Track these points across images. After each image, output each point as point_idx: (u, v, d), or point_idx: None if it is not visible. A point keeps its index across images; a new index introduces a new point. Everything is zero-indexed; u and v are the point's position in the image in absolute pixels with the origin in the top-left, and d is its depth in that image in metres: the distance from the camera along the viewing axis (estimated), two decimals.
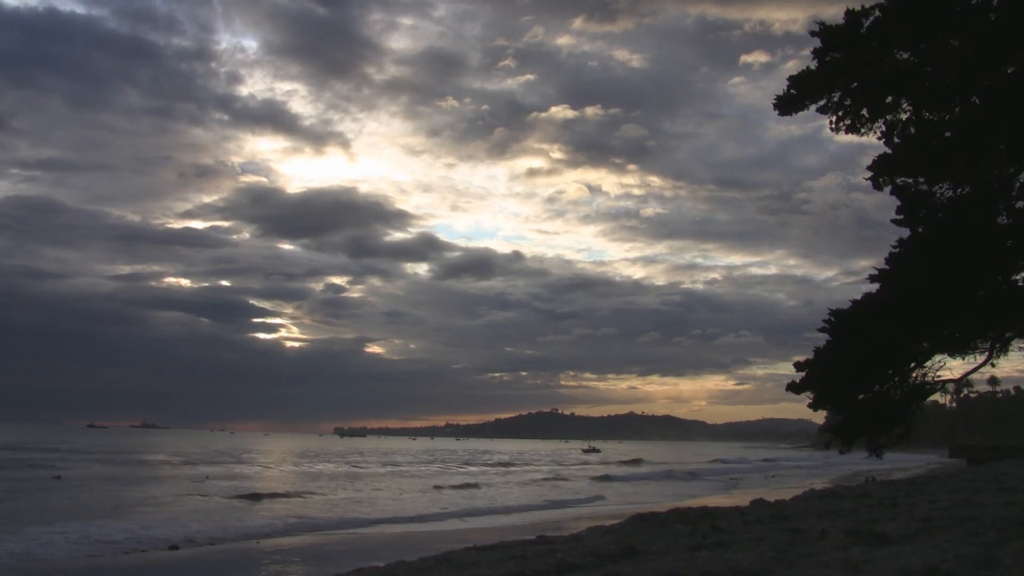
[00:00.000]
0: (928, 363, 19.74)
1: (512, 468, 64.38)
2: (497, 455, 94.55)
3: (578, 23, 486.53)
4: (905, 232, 18.80)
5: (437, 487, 39.10)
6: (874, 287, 19.49)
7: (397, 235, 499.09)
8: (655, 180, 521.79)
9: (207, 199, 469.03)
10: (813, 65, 18.33)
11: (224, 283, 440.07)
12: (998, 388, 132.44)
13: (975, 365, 19.85)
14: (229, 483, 38.62)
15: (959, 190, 17.93)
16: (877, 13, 17.26)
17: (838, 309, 20.01)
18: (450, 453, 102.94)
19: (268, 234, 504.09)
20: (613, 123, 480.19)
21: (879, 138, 18.63)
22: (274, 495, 32.31)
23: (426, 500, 32.62)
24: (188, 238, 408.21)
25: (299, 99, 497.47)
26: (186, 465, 54.75)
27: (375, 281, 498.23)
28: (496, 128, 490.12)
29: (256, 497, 30.84)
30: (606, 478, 51.22)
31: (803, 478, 50.71)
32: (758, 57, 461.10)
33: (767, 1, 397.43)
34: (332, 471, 53.61)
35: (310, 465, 61.34)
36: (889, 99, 18.27)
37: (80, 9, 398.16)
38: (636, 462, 77.89)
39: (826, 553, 5.52)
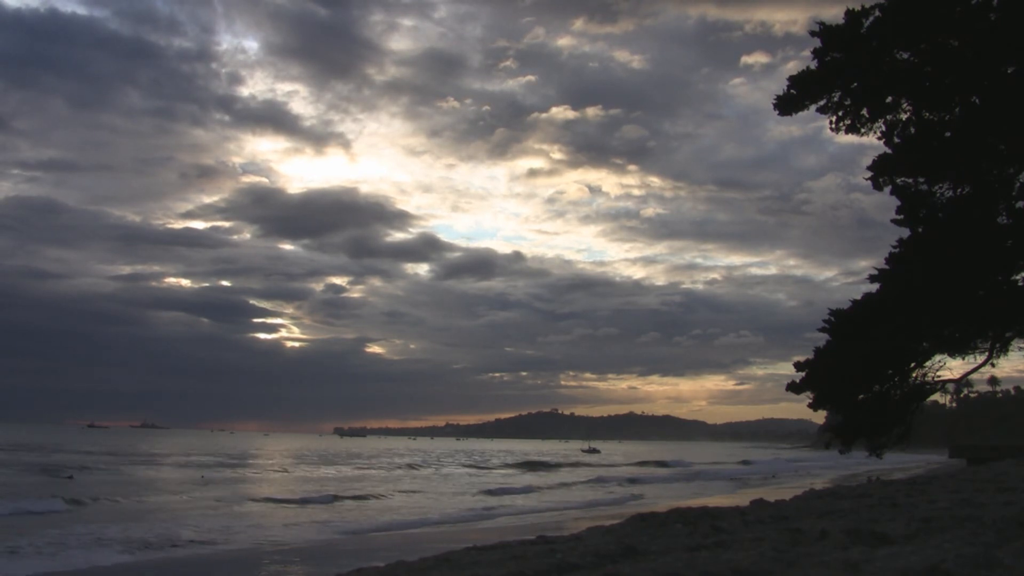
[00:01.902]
0: (928, 363, 19.75)
1: (543, 470, 63.43)
2: (519, 456, 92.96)
3: (579, 24, 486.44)
4: (905, 232, 18.81)
5: (489, 492, 37.99)
6: (874, 287, 19.49)
7: (398, 235, 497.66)
8: (655, 180, 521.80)
9: (208, 199, 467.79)
10: (813, 65, 18.35)
11: (225, 283, 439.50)
12: (998, 388, 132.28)
13: (975, 365, 19.87)
14: (257, 487, 38.16)
15: (959, 190, 17.94)
16: (877, 13, 17.27)
17: (838, 309, 20.02)
18: (469, 454, 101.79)
19: (269, 234, 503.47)
20: (614, 124, 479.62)
21: (879, 138, 18.65)
22: (309, 497, 31.58)
23: (484, 502, 32.42)
24: (189, 238, 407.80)
25: (300, 100, 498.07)
26: (189, 465, 54.39)
27: (375, 281, 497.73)
28: (497, 129, 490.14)
29: (294, 502, 30.09)
30: (636, 480, 50.83)
31: (803, 478, 50.66)
32: (758, 58, 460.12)
33: (767, 2, 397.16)
34: (358, 474, 52.44)
35: (328, 467, 60.01)
36: (889, 99, 18.28)
37: (81, 10, 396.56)
38: (662, 463, 77.42)
39: (826, 553, 5.53)
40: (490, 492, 37.48)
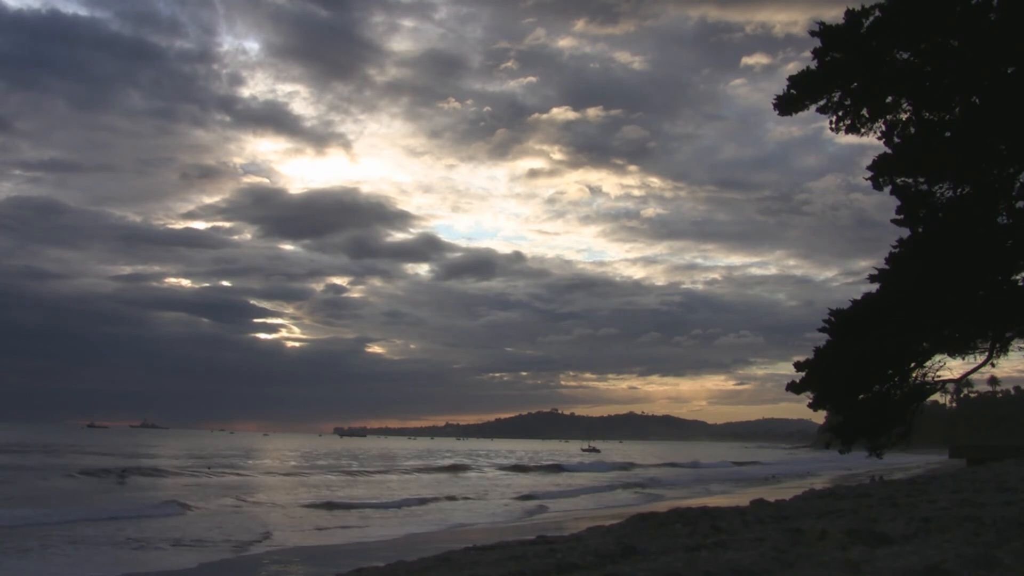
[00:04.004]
0: (928, 363, 19.77)
1: (574, 472, 61.87)
2: (536, 457, 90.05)
3: (580, 25, 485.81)
4: (905, 232, 18.83)
5: (525, 497, 36.12)
6: (874, 287, 19.51)
7: (398, 236, 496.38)
8: (655, 181, 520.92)
9: (209, 200, 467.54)
10: (813, 65, 18.35)
11: (225, 283, 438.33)
12: (998, 388, 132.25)
13: (975, 365, 19.89)
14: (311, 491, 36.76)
15: (959, 190, 17.95)
16: (877, 13, 17.28)
17: (838, 309, 20.04)
18: (485, 455, 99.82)
19: (270, 235, 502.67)
20: (614, 124, 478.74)
21: (879, 138, 18.67)
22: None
23: (534, 504, 31.93)
24: (189, 239, 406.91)
25: (301, 100, 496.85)
26: (236, 468, 52.10)
27: (376, 281, 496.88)
28: (497, 129, 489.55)
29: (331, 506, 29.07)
30: (670, 483, 49.86)
31: (803, 478, 50.61)
32: (759, 59, 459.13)
33: (768, 3, 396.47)
34: (409, 478, 50.21)
35: (373, 466, 58.04)
36: (889, 99, 18.29)
37: (83, 11, 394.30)
38: (676, 465, 76.54)
39: (826, 553, 5.53)
40: (536, 495, 36.54)
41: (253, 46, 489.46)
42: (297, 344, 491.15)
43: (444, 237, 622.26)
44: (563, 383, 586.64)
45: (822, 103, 18.49)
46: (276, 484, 41.29)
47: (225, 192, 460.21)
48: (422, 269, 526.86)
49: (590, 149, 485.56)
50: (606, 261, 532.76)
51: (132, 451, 74.42)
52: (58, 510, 23.02)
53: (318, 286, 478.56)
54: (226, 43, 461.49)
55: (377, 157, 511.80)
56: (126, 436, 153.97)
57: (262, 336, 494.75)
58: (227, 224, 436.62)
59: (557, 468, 66.03)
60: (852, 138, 26.16)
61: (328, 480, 45.35)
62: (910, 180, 18.19)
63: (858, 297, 19.86)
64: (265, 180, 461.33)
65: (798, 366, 20.42)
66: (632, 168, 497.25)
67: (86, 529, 19.59)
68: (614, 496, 38.28)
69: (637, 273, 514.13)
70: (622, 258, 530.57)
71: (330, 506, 28.74)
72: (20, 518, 21.07)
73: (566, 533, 9.56)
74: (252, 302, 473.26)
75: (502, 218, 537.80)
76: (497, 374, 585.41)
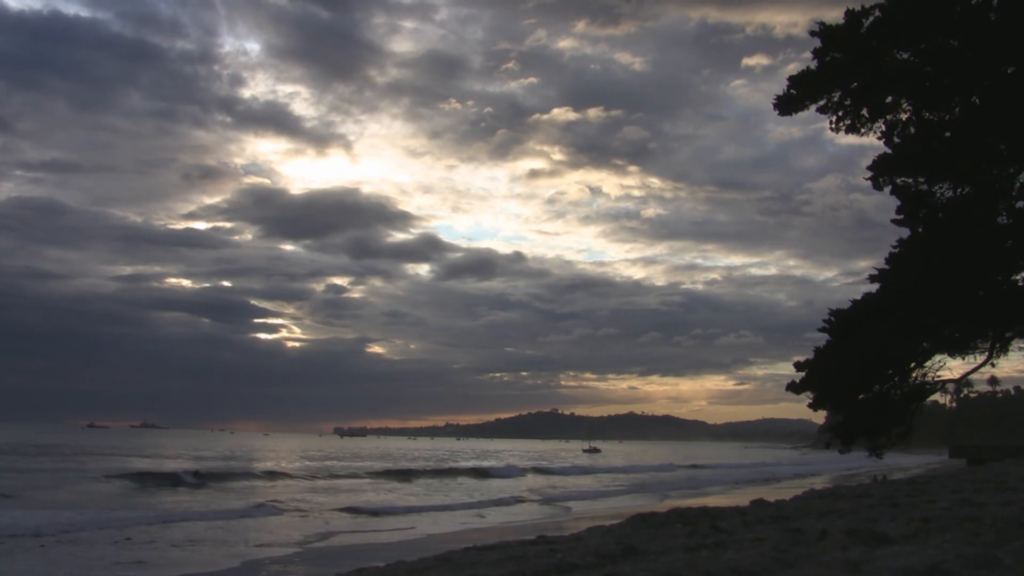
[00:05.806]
0: (928, 363, 19.79)
1: (599, 474, 60.67)
2: (555, 458, 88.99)
3: (581, 26, 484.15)
4: (905, 232, 18.84)
5: (541, 502, 35.46)
6: (874, 287, 19.52)
7: (399, 236, 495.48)
8: (655, 181, 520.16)
9: (209, 200, 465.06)
10: (813, 65, 18.36)
11: (226, 284, 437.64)
12: (998, 388, 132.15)
13: (975, 365, 19.90)
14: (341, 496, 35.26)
15: (959, 190, 17.95)
16: (877, 13, 17.29)
17: (838, 309, 20.05)
18: (490, 455, 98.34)
19: (270, 235, 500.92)
20: (614, 125, 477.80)
21: (879, 138, 18.68)
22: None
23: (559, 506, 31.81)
24: (190, 239, 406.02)
25: (301, 101, 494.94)
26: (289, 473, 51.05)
27: (376, 282, 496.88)
28: (498, 130, 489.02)
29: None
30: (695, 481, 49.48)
31: (803, 478, 50.56)
32: (759, 60, 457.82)
33: (768, 4, 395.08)
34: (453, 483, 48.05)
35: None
36: (889, 99, 18.29)
37: (84, 12, 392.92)
38: (701, 466, 75.73)
39: (826, 553, 5.53)
40: (567, 496, 36.37)
41: (254, 47, 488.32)
42: (297, 344, 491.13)
43: (444, 237, 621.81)
44: (563, 383, 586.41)
45: (822, 103, 18.50)
46: (309, 487, 40.90)
47: (226, 192, 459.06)
48: (422, 269, 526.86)
49: (590, 150, 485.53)
50: (606, 261, 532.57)
51: (151, 452, 73.98)
52: (172, 512, 23.56)
53: (318, 286, 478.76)
54: (227, 44, 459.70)
55: (378, 158, 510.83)
56: (128, 436, 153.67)
57: (262, 336, 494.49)
58: (228, 224, 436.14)
59: (580, 470, 64.65)
60: (852, 138, 26.14)
61: (358, 484, 44.60)
62: (910, 180, 18.21)
63: (858, 297, 19.89)
64: (266, 180, 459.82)
65: (798, 366, 20.43)
66: (632, 168, 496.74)
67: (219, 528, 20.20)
68: (643, 498, 37.98)
69: (637, 273, 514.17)
70: (622, 258, 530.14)
71: (374, 512, 27.76)
72: (123, 520, 20.89)
73: (566, 533, 9.56)
74: (252, 302, 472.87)
75: (502, 218, 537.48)
76: (497, 374, 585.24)
